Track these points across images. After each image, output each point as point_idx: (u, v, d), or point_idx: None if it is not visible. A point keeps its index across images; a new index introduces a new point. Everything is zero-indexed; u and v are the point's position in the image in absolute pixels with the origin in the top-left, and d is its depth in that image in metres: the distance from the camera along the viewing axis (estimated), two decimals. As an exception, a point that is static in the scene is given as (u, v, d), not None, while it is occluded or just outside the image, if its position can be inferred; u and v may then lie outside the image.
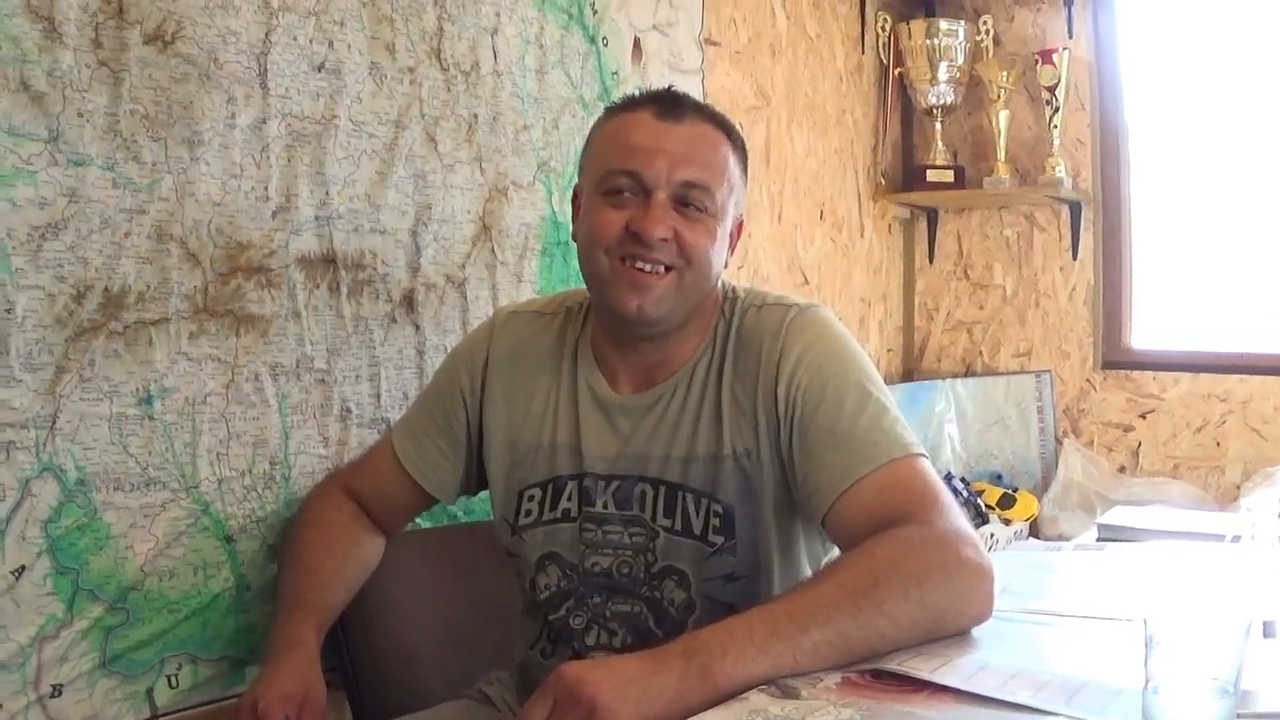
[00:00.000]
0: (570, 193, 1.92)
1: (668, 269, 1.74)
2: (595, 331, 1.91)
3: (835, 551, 1.71)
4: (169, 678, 1.99)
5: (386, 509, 2.07)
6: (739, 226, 1.89)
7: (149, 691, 1.96)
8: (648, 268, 1.74)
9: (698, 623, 1.73)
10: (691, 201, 1.75)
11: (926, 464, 1.67)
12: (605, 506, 1.82)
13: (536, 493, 1.88)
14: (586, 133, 1.83)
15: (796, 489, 1.72)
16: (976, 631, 1.49)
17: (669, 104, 1.79)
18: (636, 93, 1.87)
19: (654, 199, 1.73)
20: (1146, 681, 1.14)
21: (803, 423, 1.71)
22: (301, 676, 1.79)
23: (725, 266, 1.85)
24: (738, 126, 1.87)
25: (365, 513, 2.06)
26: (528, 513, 1.88)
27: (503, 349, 1.96)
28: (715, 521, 1.77)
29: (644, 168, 1.73)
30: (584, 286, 1.88)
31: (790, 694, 1.29)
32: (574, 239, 1.89)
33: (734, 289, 1.89)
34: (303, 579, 1.96)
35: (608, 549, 1.82)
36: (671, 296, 1.76)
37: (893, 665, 1.35)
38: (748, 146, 1.88)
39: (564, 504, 1.86)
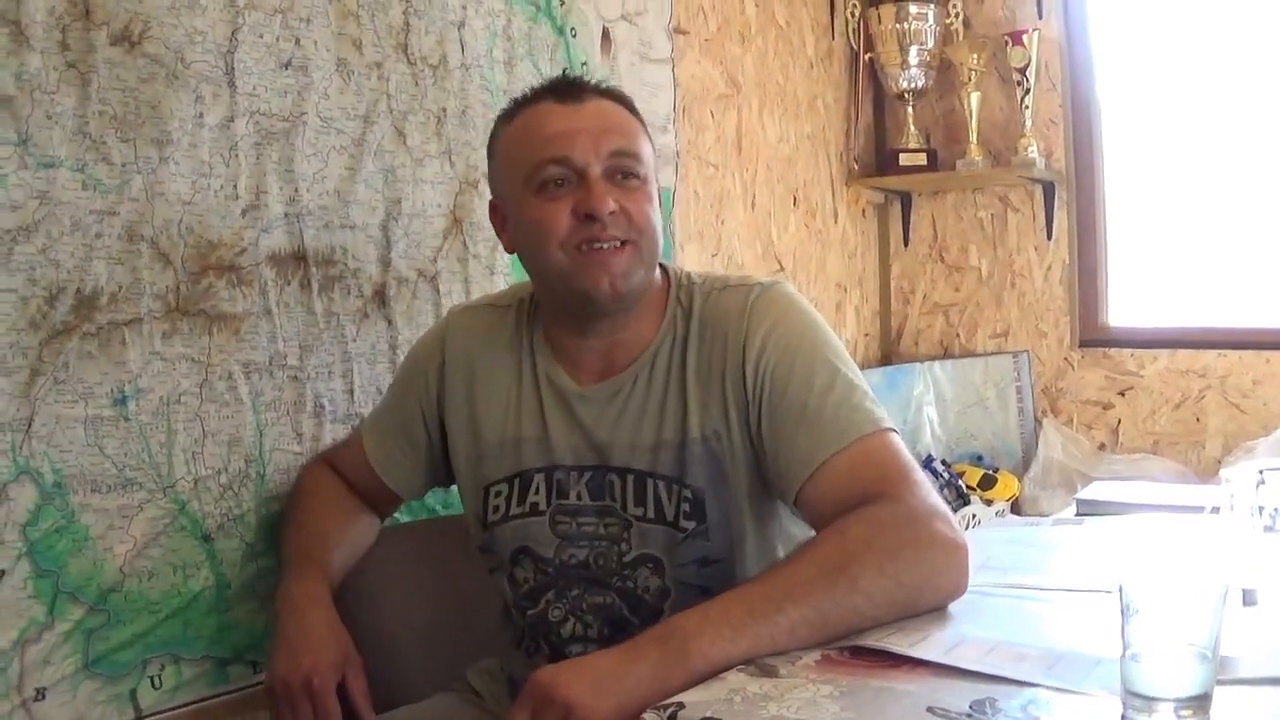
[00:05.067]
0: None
1: (623, 243, 1.72)
2: (549, 325, 1.88)
3: (811, 532, 1.69)
4: (152, 679, 1.98)
5: (366, 497, 2.09)
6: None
7: (133, 693, 1.96)
8: (605, 245, 1.71)
9: (673, 608, 1.72)
10: (624, 170, 1.74)
11: (896, 439, 1.66)
12: (579, 498, 1.80)
13: (503, 488, 1.86)
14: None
15: (768, 469, 1.71)
16: (954, 606, 1.50)
17: (565, 88, 1.78)
18: (528, 92, 1.84)
19: (590, 176, 1.71)
20: (1124, 649, 1.14)
21: (772, 401, 1.69)
22: (336, 639, 1.79)
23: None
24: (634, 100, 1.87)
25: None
26: (495, 509, 1.86)
27: (458, 349, 1.94)
28: (685, 507, 1.75)
29: (570, 150, 1.71)
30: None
31: (769, 672, 1.29)
32: (509, 250, 1.87)
33: (688, 274, 1.87)
34: (308, 539, 1.98)
35: (583, 540, 1.80)
36: (636, 268, 1.74)
37: (871, 641, 1.36)
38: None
39: (532, 498, 1.83)
